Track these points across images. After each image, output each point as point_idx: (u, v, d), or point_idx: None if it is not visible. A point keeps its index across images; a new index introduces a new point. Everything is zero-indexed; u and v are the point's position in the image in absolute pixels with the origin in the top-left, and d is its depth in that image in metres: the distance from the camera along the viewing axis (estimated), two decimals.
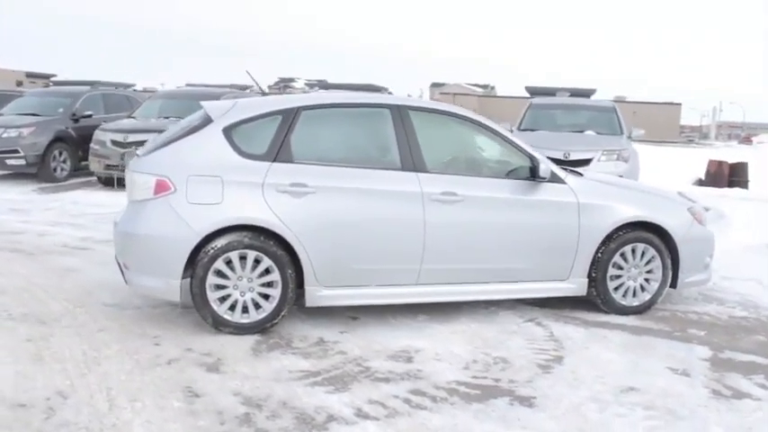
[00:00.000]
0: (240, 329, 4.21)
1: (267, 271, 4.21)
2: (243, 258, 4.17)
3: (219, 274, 4.16)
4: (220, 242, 4.12)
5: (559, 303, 4.92)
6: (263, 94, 5.12)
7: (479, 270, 4.56)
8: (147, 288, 4.27)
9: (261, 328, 4.24)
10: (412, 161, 4.42)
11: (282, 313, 4.27)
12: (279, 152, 4.27)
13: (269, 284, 4.23)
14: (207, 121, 4.34)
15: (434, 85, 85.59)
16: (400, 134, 4.46)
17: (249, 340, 4.15)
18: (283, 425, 3.11)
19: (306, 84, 62.75)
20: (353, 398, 3.40)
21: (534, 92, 12.32)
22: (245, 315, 4.22)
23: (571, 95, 11.41)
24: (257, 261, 4.18)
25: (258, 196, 4.17)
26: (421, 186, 4.38)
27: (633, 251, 4.79)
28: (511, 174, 4.66)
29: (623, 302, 4.84)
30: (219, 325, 4.19)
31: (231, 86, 17.96)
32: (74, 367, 3.64)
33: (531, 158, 4.64)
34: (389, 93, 16.97)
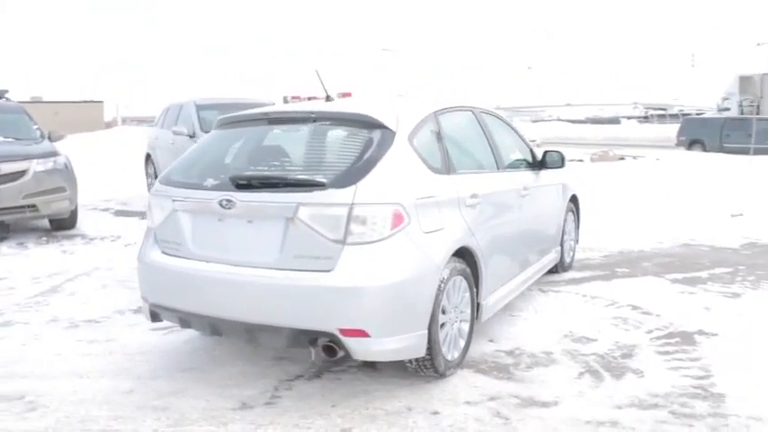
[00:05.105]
0: (455, 366, 3.73)
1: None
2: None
3: (442, 310, 3.57)
4: (445, 273, 3.53)
5: None
6: (328, 98, 4.10)
7: (536, 253, 5.05)
8: (395, 352, 3.28)
9: (463, 358, 3.82)
10: (501, 161, 4.58)
11: (472, 335, 3.93)
12: (448, 163, 3.85)
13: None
14: (388, 131, 3.52)
15: None
16: (486, 136, 4.53)
17: (469, 375, 3.74)
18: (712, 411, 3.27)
19: None
20: (670, 381, 3.63)
21: None
22: (454, 349, 3.74)
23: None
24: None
25: (458, 214, 3.73)
26: (517, 184, 4.61)
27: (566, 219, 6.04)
28: (530, 164, 5.22)
29: (567, 260, 6.05)
30: (447, 369, 3.62)
31: None
32: None
33: (532, 150, 5.33)
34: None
